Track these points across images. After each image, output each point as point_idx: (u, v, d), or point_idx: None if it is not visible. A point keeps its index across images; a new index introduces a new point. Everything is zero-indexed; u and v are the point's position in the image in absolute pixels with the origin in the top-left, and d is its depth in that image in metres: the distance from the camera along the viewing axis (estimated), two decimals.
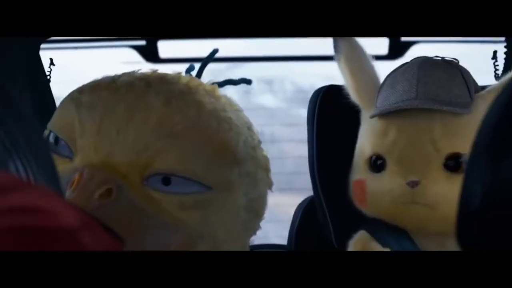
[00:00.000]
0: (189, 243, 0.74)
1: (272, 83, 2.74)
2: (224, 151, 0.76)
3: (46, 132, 0.79)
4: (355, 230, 1.10)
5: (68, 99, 0.79)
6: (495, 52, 1.34)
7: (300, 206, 1.33)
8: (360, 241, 1.08)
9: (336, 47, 1.10)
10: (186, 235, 0.74)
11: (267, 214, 0.86)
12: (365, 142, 1.06)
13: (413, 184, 0.95)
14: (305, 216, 1.29)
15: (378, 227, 1.06)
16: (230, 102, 0.85)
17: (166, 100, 0.74)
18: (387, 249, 1.03)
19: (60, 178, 0.47)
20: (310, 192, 1.28)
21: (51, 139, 0.77)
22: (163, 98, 0.74)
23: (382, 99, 1.03)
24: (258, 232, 0.87)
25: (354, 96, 1.10)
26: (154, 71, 0.83)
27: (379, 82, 1.08)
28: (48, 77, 1.37)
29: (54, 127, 0.78)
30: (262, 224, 0.86)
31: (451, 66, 1.01)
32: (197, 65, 0.95)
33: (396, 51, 1.56)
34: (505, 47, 1.31)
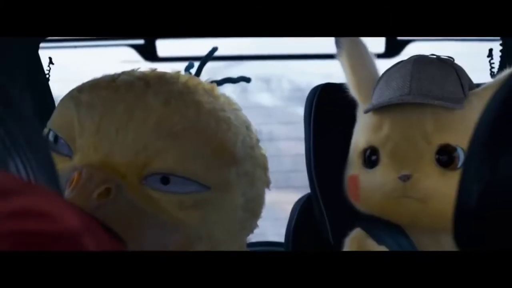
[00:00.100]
0: (187, 243, 0.74)
1: (270, 82, 2.74)
2: (222, 151, 0.76)
3: (45, 130, 0.79)
4: (351, 228, 1.10)
5: (67, 98, 0.79)
6: (490, 50, 1.34)
7: (297, 203, 1.33)
8: (356, 239, 1.09)
9: (337, 43, 1.11)
10: (184, 235, 0.74)
11: (264, 212, 0.86)
12: (360, 137, 1.07)
13: (405, 178, 0.96)
14: (302, 214, 1.29)
15: (373, 224, 1.06)
16: (229, 101, 0.85)
17: (165, 100, 0.75)
18: (383, 246, 1.04)
19: (59, 176, 0.47)
20: (307, 190, 1.28)
21: (51, 137, 0.77)
22: (162, 98, 0.75)
23: (377, 95, 1.04)
24: (256, 230, 0.87)
25: (353, 91, 1.11)
26: (154, 70, 0.83)
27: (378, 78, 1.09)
28: (47, 76, 1.37)
29: (53, 125, 0.78)
30: (259, 221, 0.87)
31: (446, 64, 1.02)
32: (195, 63, 0.95)
33: (392, 49, 1.56)
34: (500, 45, 1.32)
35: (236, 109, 0.85)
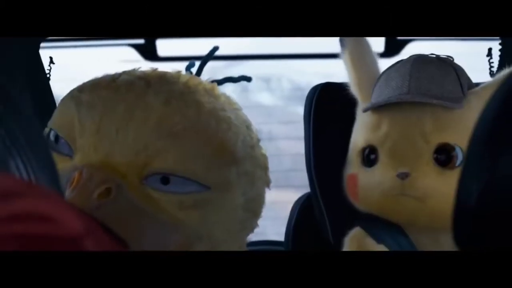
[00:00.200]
0: (187, 243, 0.74)
1: (270, 81, 2.74)
2: (223, 151, 0.76)
3: (46, 130, 0.79)
4: (351, 227, 1.10)
5: (68, 97, 0.79)
6: (490, 50, 1.34)
7: (297, 203, 1.33)
8: (355, 238, 1.09)
9: (341, 40, 1.11)
10: (184, 235, 0.74)
11: (264, 211, 0.87)
12: (359, 136, 1.07)
13: (403, 176, 0.96)
14: (302, 213, 1.29)
15: (373, 223, 1.06)
16: (229, 100, 0.85)
17: (165, 100, 0.75)
18: (382, 245, 1.04)
19: (60, 176, 0.47)
20: (307, 189, 1.28)
21: (52, 137, 0.77)
22: (162, 98, 0.75)
23: (377, 94, 1.04)
24: (256, 229, 0.87)
25: (354, 90, 1.12)
26: (154, 70, 0.83)
27: None
28: (48, 76, 1.37)
29: (54, 125, 0.78)
30: (259, 221, 0.87)
31: (445, 63, 1.02)
32: (196, 62, 0.95)
33: (392, 49, 1.56)
34: (500, 44, 1.32)
35: (237, 109, 0.85)
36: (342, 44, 1.11)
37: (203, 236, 0.75)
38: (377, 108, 1.02)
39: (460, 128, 0.95)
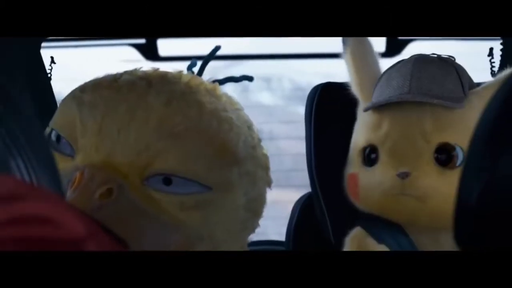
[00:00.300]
0: (188, 243, 0.74)
1: (270, 81, 2.74)
2: (224, 152, 0.76)
3: (47, 130, 0.79)
4: (352, 226, 1.10)
5: (70, 97, 0.79)
6: (491, 49, 1.34)
7: (298, 202, 1.33)
8: (356, 238, 1.09)
9: (343, 40, 1.12)
10: (185, 235, 0.74)
11: (265, 211, 0.87)
12: (360, 135, 1.07)
13: (403, 176, 0.96)
14: (303, 213, 1.29)
15: (373, 223, 1.06)
16: (231, 101, 0.85)
17: (167, 100, 0.74)
18: (383, 245, 1.04)
19: (61, 176, 0.47)
20: (308, 189, 1.28)
21: (53, 137, 0.77)
22: (164, 98, 0.75)
23: (378, 93, 1.04)
24: (257, 229, 0.87)
25: (355, 89, 1.12)
26: (156, 70, 0.83)
27: None
28: (49, 75, 1.37)
29: (55, 125, 0.78)
30: (260, 220, 0.87)
31: (446, 63, 1.02)
32: (197, 62, 0.95)
33: (393, 49, 1.56)
34: (501, 43, 1.32)
35: (238, 109, 0.85)
36: (343, 44, 1.11)
37: (204, 236, 0.75)
38: (378, 108, 1.02)
39: (461, 128, 0.95)
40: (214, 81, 0.89)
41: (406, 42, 1.58)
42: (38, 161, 0.42)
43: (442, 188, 0.94)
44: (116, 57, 1.70)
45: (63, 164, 0.72)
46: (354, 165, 1.07)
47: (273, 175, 0.87)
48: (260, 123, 0.92)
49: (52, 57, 1.38)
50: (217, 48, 0.95)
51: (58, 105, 0.82)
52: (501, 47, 1.32)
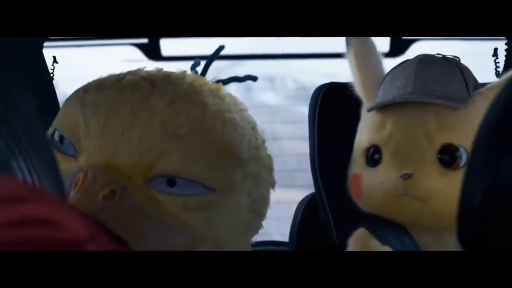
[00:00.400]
0: (192, 244, 0.74)
1: (274, 81, 2.74)
2: (228, 153, 0.76)
3: (51, 130, 0.79)
4: (355, 227, 1.10)
5: (73, 97, 0.79)
6: (495, 50, 1.34)
7: (301, 203, 1.33)
8: (360, 238, 1.09)
9: (346, 40, 1.11)
10: (189, 237, 0.74)
11: (268, 211, 0.86)
12: (363, 135, 1.07)
13: (406, 177, 0.96)
14: (306, 213, 1.29)
15: (377, 224, 1.06)
16: (234, 101, 0.85)
17: (171, 101, 0.74)
18: (387, 247, 1.04)
19: (62, 177, 0.47)
20: (311, 189, 1.28)
21: (56, 137, 0.77)
22: (167, 99, 0.74)
23: (381, 93, 1.04)
24: (260, 230, 0.87)
25: (358, 90, 1.11)
26: (159, 70, 0.83)
27: None
28: (51, 75, 1.37)
29: (58, 125, 0.78)
30: (264, 221, 0.86)
31: (450, 63, 1.02)
32: (200, 62, 0.95)
33: (397, 49, 1.56)
34: (506, 44, 1.31)
35: (242, 110, 0.85)
36: (347, 44, 1.11)
37: (208, 237, 0.75)
38: (381, 108, 1.02)
39: (465, 128, 0.94)
40: (217, 81, 0.89)
41: (410, 42, 1.57)
42: (39, 161, 0.42)
43: (445, 189, 0.93)
44: (118, 57, 1.70)
45: (66, 165, 0.72)
46: (357, 166, 1.06)
47: (276, 175, 0.87)
48: (263, 123, 0.91)
49: (54, 57, 1.38)
50: (221, 48, 0.95)
51: (60, 105, 0.82)
52: (505, 47, 1.31)
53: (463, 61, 1.05)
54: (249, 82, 0.96)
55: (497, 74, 1.32)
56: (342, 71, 1.21)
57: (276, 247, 1.68)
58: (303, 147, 1.33)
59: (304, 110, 1.28)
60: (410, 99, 0.97)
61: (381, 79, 1.08)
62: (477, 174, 0.51)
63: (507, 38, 1.30)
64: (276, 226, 1.83)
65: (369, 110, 1.05)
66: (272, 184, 0.86)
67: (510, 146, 0.48)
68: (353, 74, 1.12)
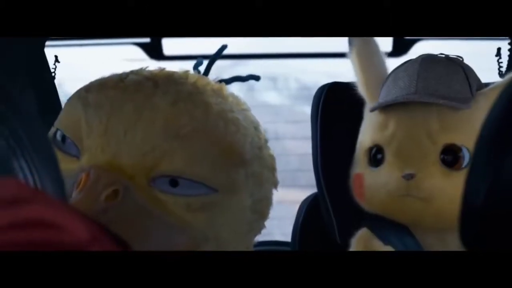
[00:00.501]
0: (194, 245, 0.74)
1: (276, 81, 2.74)
2: (231, 153, 0.76)
3: (53, 129, 0.79)
4: (358, 227, 1.10)
5: (75, 97, 0.79)
6: (499, 49, 1.33)
7: (304, 203, 1.33)
8: (362, 239, 1.09)
9: (349, 40, 1.11)
10: (191, 237, 0.73)
11: (271, 211, 0.86)
12: (366, 135, 1.07)
13: (409, 177, 0.96)
14: (309, 213, 1.29)
15: (380, 224, 1.06)
16: (237, 101, 0.85)
17: (173, 100, 0.74)
18: (389, 247, 1.04)
19: (64, 177, 0.47)
20: (314, 189, 1.28)
21: (58, 137, 0.77)
22: (170, 99, 0.74)
23: (384, 93, 1.04)
24: (262, 230, 0.87)
25: (361, 89, 1.11)
26: (162, 70, 0.82)
27: None
28: (53, 75, 1.37)
29: (60, 125, 0.78)
30: (266, 221, 0.86)
31: (453, 63, 1.01)
32: (203, 61, 0.95)
33: (400, 48, 1.56)
34: (509, 43, 1.31)
35: (245, 110, 0.85)
36: (350, 43, 1.11)
37: (210, 237, 0.75)
38: (384, 108, 1.02)
39: (468, 128, 0.94)
40: (220, 81, 0.89)
41: (413, 42, 1.57)
42: (40, 161, 0.42)
43: (448, 189, 0.93)
44: (120, 56, 1.70)
45: (69, 165, 0.72)
46: (360, 165, 1.06)
47: (279, 175, 0.87)
48: (265, 123, 0.91)
49: (56, 56, 1.38)
50: (224, 47, 0.95)
51: (62, 104, 0.82)
52: (509, 47, 1.31)
53: (466, 61, 1.05)
54: (252, 81, 0.96)
55: (500, 74, 1.32)
56: (344, 71, 1.21)
57: (278, 247, 1.68)
58: (306, 147, 1.33)
59: (307, 109, 1.28)
60: (413, 99, 0.97)
61: (384, 78, 1.08)
62: (480, 174, 0.51)
63: (510, 38, 1.30)
64: (279, 226, 1.83)
65: (372, 110, 1.05)
66: (275, 184, 0.86)
67: None
68: (356, 73, 1.12)
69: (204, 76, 0.87)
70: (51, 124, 0.80)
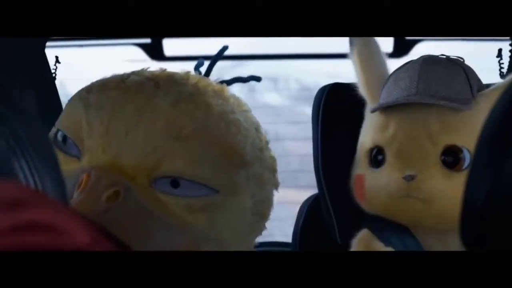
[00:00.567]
0: (195, 246, 0.73)
1: (277, 81, 2.74)
2: (232, 154, 0.76)
3: (54, 130, 0.79)
4: (359, 228, 1.10)
5: (76, 98, 0.78)
6: (500, 50, 1.33)
7: (304, 204, 1.33)
8: (363, 240, 1.09)
9: (350, 40, 1.11)
10: (192, 238, 0.73)
11: (272, 212, 0.86)
12: (367, 136, 1.07)
13: (409, 178, 0.96)
14: (309, 214, 1.29)
15: (380, 225, 1.06)
16: (238, 102, 0.84)
17: (174, 101, 0.74)
18: (390, 248, 1.03)
19: (65, 177, 0.47)
20: (314, 190, 1.28)
21: (59, 137, 0.77)
22: (171, 100, 0.74)
23: (385, 94, 1.04)
24: (263, 231, 0.87)
25: (362, 90, 1.11)
26: (163, 71, 0.82)
27: None
28: (54, 75, 1.37)
29: (61, 126, 0.78)
30: (267, 222, 0.86)
31: (454, 64, 1.01)
32: (204, 62, 0.95)
33: (401, 49, 1.56)
34: (510, 44, 1.31)
35: (246, 111, 0.85)
36: (350, 44, 1.11)
37: (211, 238, 0.75)
38: (385, 109, 1.02)
39: (468, 130, 0.94)
40: (221, 82, 0.89)
41: (414, 43, 1.57)
42: (41, 161, 0.42)
43: (448, 190, 0.93)
44: (121, 57, 1.71)
45: (70, 166, 0.72)
46: (360, 166, 1.06)
47: (279, 176, 0.87)
48: (266, 124, 0.91)
49: (56, 57, 1.38)
50: (225, 48, 0.94)
51: (63, 105, 0.82)
52: (510, 48, 1.31)
53: (467, 62, 1.04)
54: (253, 82, 0.96)
55: (501, 75, 1.32)
56: (345, 72, 1.21)
57: (279, 248, 1.68)
58: (307, 147, 1.33)
59: (308, 110, 1.28)
60: (414, 100, 0.97)
61: (385, 79, 1.07)
62: (480, 175, 0.51)
63: (511, 39, 1.30)
64: (279, 227, 1.83)
65: (373, 111, 1.05)
66: (276, 186, 0.86)
67: None
68: (357, 74, 1.11)
69: (205, 77, 0.87)
70: (52, 125, 0.80)
